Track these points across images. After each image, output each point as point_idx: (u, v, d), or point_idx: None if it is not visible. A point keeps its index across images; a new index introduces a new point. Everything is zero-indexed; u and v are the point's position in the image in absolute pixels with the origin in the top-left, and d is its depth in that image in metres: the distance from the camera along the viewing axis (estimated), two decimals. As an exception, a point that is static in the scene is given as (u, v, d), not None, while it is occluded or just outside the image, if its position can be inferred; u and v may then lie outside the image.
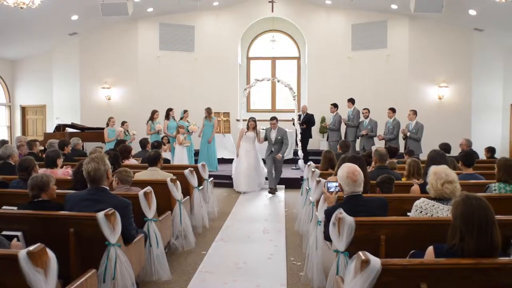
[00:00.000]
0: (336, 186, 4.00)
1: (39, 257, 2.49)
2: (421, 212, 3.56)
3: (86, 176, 3.80)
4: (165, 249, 5.05)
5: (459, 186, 3.53)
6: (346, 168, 3.71)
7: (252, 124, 10.06)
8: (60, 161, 5.90)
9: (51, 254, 2.58)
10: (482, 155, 9.21)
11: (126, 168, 4.92)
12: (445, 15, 11.81)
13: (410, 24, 13.67)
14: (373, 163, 5.79)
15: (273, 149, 9.68)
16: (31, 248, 2.50)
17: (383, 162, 5.57)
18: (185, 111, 11.77)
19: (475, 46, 13.47)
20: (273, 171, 9.75)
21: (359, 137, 11.19)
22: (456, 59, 13.60)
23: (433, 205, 3.53)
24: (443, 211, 3.48)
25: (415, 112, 10.42)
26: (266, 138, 9.89)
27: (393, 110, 10.75)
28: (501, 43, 13.26)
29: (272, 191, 9.59)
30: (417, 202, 3.63)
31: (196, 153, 11.95)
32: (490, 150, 8.58)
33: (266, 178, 10.08)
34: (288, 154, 11.43)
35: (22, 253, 2.46)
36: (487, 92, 13.62)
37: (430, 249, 2.68)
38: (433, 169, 3.59)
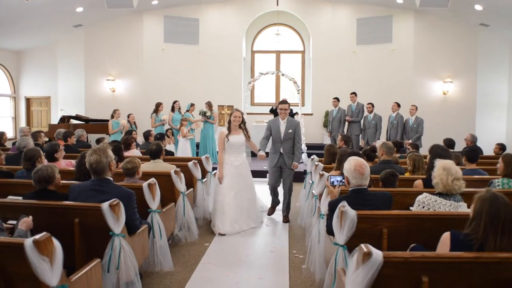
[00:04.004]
0: (339, 181, 4.01)
1: (45, 246, 2.52)
2: (423, 207, 3.57)
3: (89, 168, 3.82)
4: (169, 240, 5.09)
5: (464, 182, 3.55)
6: (354, 161, 3.69)
7: (236, 118, 6.37)
8: (59, 154, 5.78)
9: (56, 243, 2.61)
10: (486, 151, 9.19)
11: (131, 158, 4.92)
12: (451, 10, 11.75)
13: (415, 19, 13.60)
14: (379, 155, 5.78)
15: (282, 151, 6.63)
16: (37, 237, 2.53)
17: (389, 156, 5.57)
18: (192, 105, 11.83)
19: (481, 42, 13.41)
20: (279, 189, 6.99)
21: (363, 131, 11.24)
22: (462, 54, 13.54)
23: (436, 201, 3.53)
24: (446, 207, 3.49)
25: (416, 108, 10.51)
26: (269, 135, 6.79)
27: (398, 104, 10.78)
28: (507, 39, 13.18)
29: (272, 210, 7.07)
30: (419, 197, 3.64)
31: (197, 146, 12.00)
32: (501, 147, 8.52)
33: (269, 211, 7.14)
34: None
35: (28, 242, 2.50)
36: (492, 88, 13.57)
37: (447, 235, 2.70)
38: (441, 164, 3.57)
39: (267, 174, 7.01)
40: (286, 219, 6.83)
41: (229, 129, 6.44)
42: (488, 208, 2.57)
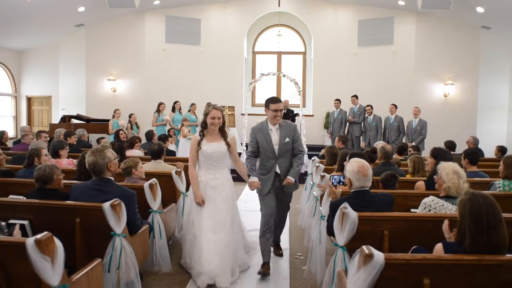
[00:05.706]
0: (339, 181, 4.02)
1: (46, 245, 2.53)
2: (429, 210, 3.53)
3: (88, 168, 3.88)
4: (169, 241, 5.08)
5: None
6: (356, 163, 3.68)
7: (215, 121, 4.47)
8: (63, 152, 5.92)
9: (58, 243, 2.61)
10: (487, 153, 9.20)
11: (131, 158, 4.94)
12: (453, 12, 11.74)
13: (417, 21, 13.60)
14: (379, 158, 5.81)
15: (277, 170, 4.65)
16: (38, 236, 2.53)
17: (388, 159, 5.60)
18: (192, 104, 11.85)
19: (482, 44, 13.40)
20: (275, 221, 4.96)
21: (364, 133, 11.28)
22: (463, 56, 13.53)
23: (442, 205, 3.50)
24: (452, 211, 3.46)
25: (419, 110, 10.56)
26: (257, 150, 4.70)
27: (395, 106, 10.84)
28: (509, 41, 13.17)
29: (267, 269, 4.62)
30: (426, 200, 3.60)
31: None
32: (501, 150, 8.54)
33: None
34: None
35: (30, 241, 2.50)
36: (494, 90, 13.56)
37: (439, 246, 2.68)
38: (450, 168, 3.55)
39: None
40: (277, 250, 5.22)
41: (202, 134, 4.59)
42: (469, 209, 2.55)
